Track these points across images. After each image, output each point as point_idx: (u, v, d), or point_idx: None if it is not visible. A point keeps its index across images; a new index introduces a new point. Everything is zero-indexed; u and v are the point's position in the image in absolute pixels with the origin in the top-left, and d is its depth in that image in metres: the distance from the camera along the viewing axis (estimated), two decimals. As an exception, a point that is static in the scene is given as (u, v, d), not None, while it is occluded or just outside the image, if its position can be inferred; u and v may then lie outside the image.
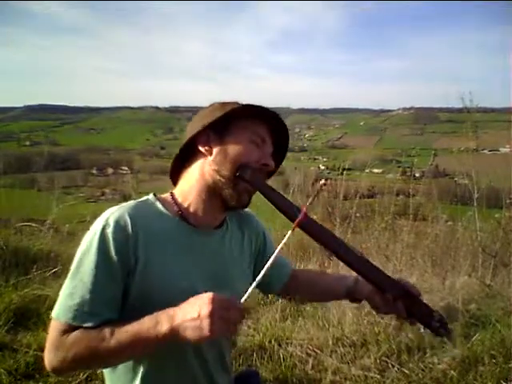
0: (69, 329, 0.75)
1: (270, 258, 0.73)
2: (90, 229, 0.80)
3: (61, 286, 0.79)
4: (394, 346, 2.31)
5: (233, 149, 0.86)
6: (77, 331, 0.74)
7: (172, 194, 0.92)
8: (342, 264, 0.93)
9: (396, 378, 2.11)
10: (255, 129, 0.89)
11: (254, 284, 0.71)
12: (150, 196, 0.91)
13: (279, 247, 0.74)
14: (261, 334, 2.53)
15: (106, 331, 0.73)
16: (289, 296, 1.27)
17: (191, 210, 0.89)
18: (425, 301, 0.87)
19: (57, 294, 0.79)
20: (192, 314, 0.67)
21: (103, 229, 0.78)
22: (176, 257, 0.84)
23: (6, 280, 2.86)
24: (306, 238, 3.93)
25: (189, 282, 0.83)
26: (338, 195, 4.58)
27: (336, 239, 0.87)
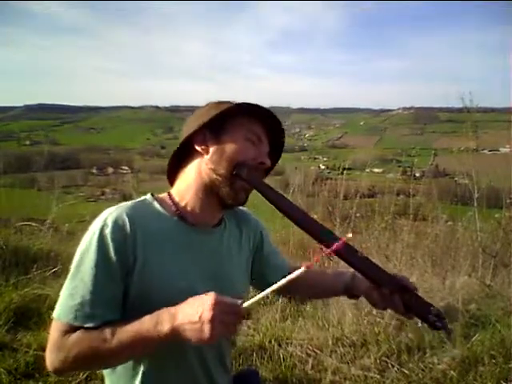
0: (70, 329, 0.75)
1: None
2: (89, 229, 0.80)
3: (61, 285, 0.79)
4: (393, 346, 2.32)
5: (229, 147, 0.86)
6: (78, 332, 0.74)
7: (169, 194, 0.92)
8: (342, 263, 0.93)
9: (396, 378, 2.11)
10: (251, 127, 0.89)
11: (262, 294, 0.69)
12: (148, 196, 0.91)
13: (296, 273, 0.67)
14: (261, 334, 2.53)
15: (107, 331, 0.73)
16: (287, 294, 1.27)
17: (189, 209, 0.89)
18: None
19: (57, 294, 0.79)
20: (193, 316, 0.67)
21: (102, 229, 0.78)
22: (174, 256, 0.84)
23: (6, 279, 2.86)
24: (306, 238, 3.93)
25: (187, 281, 0.83)
26: (338, 195, 4.58)
27: (323, 230, 0.86)
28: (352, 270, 0.90)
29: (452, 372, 2.08)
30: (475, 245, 3.62)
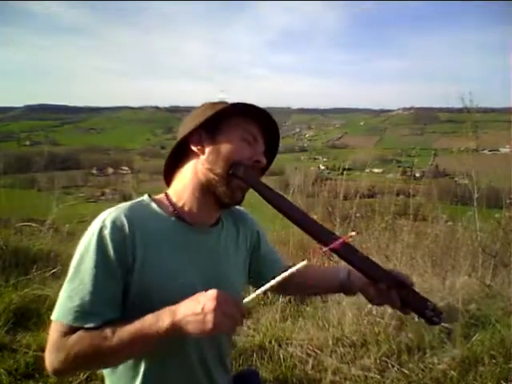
0: (70, 330, 0.75)
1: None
2: (87, 231, 0.81)
3: (61, 286, 0.79)
4: (393, 346, 2.32)
5: (225, 147, 0.87)
6: (78, 332, 0.75)
7: (166, 195, 0.93)
8: (342, 263, 0.93)
9: (396, 378, 2.11)
10: (246, 127, 0.90)
11: (260, 290, 0.72)
12: (145, 197, 0.92)
13: (296, 267, 0.71)
14: (261, 335, 2.53)
15: (108, 330, 0.73)
16: (283, 292, 1.28)
17: (186, 208, 0.90)
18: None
19: (57, 294, 0.79)
20: (195, 308, 0.69)
21: (101, 230, 0.78)
22: (173, 255, 0.84)
23: (6, 280, 2.86)
24: (306, 238, 3.93)
25: (186, 280, 0.84)
26: (338, 195, 4.58)
27: (323, 229, 0.87)
28: (348, 266, 0.90)
29: (452, 372, 2.08)
30: (475, 245, 3.62)
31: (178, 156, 0.93)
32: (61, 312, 0.76)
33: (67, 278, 0.79)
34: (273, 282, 0.71)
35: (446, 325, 2.46)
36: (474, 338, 2.32)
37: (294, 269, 0.70)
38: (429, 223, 4.19)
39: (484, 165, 4.76)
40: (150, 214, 0.87)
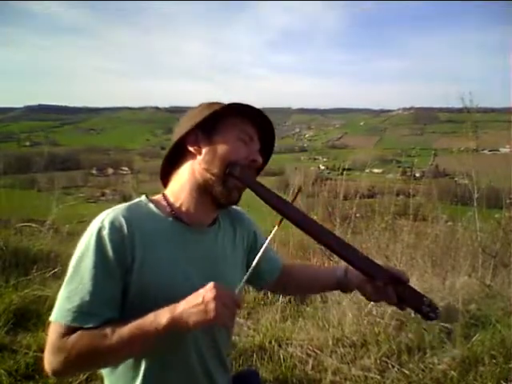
0: (69, 331, 0.75)
1: (261, 247, 0.77)
2: (86, 232, 0.81)
3: (61, 286, 0.79)
4: (394, 347, 2.31)
5: (221, 147, 0.88)
6: (78, 332, 0.75)
7: (164, 195, 0.93)
8: (343, 263, 0.94)
9: (396, 378, 2.11)
10: (243, 127, 0.90)
11: (248, 273, 0.76)
12: (143, 198, 0.92)
13: (269, 237, 0.79)
14: (261, 335, 2.53)
15: (108, 329, 0.74)
16: (281, 290, 1.30)
17: (183, 209, 0.91)
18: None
19: (57, 295, 0.79)
20: (196, 300, 0.71)
21: (99, 231, 0.79)
22: (171, 256, 0.85)
23: (6, 281, 2.86)
24: (306, 239, 3.93)
25: (185, 280, 0.84)
26: (338, 195, 4.58)
27: (322, 228, 0.89)
28: (345, 264, 0.93)
29: (452, 372, 2.08)
30: (475, 245, 3.62)
31: (175, 156, 0.93)
32: (60, 313, 0.76)
33: (66, 279, 0.79)
34: (256, 260, 0.76)
35: (446, 325, 2.46)
36: (474, 338, 2.32)
37: (269, 238, 0.77)
38: (429, 223, 4.20)
39: (484, 165, 4.76)
40: (148, 215, 0.87)
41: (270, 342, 2.44)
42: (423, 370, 2.15)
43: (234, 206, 1.01)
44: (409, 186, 4.25)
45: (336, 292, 2.88)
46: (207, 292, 0.71)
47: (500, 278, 3.38)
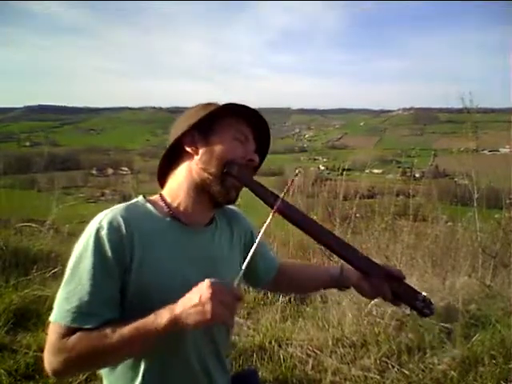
0: (69, 332, 0.75)
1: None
2: (84, 232, 0.81)
3: (61, 286, 0.79)
4: (394, 347, 2.32)
5: (218, 147, 0.89)
6: (78, 333, 0.75)
7: (161, 195, 0.94)
8: (346, 266, 0.96)
9: (396, 378, 2.11)
10: (238, 127, 0.91)
11: (244, 266, 0.74)
12: (140, 198, 0.93)
13: (263, 229, 0.78)
14: (261, 335, 2.53)
15: (107, 329, 0.74)
16: (278, 289, 1.31)
17: (181, 208, 0.91)
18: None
19: (56, 295, 0.79)
20: (193, 300, 0.70)
21: (97, 231, 0.79)
22: (170, 255, 0.85)
23: (6, 281, 2.86)
24: (306, 239, 3.93)
25: (183, 279, 0.84)
26: (337, 195, 4.58)
27: (318, 225, 0.91)
28: (341, 261, 0.94)
29: (452, 372, 2.08)
30: (475, 245, 3.62)
31: (172, 157, 0.94)
32: (59, 313, 0.76)
33: (64, 280, 0.79)
34: (252, 250, 0.75)
35: (446, 325, 2.46)
36: (474, 339, 2.32)
37: (264, 226, 0.76)
38: (429, 224, 4.20)
39: (484, 165, 4.76)
40: (146, 215, 0.87)
41: (270, 342, 2.44)
42: (423, 370, 2.16)
43: (231, 206, 1.03)
44: (409, 187, 4.26)
45: (336, 292, 2.88)
46: (204, 291, 0.70)
47: (500, 278, 3.38)
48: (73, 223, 4.22)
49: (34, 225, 4.02)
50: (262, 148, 1.00)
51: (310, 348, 2.40)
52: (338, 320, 2.64)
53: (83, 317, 0.75)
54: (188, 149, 0.90)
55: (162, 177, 0.97)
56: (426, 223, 4.26)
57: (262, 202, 0.91)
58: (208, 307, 0.68)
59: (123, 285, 0.80)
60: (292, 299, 3.04)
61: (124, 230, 0.80)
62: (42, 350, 2.10)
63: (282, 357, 2.30)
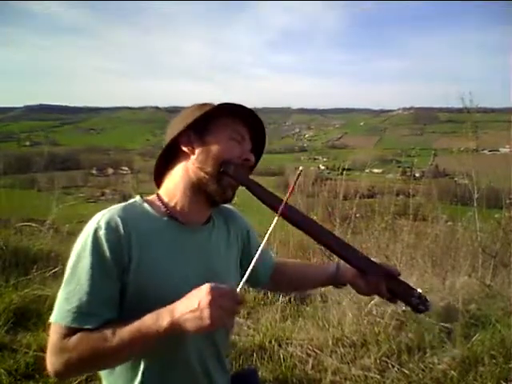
0: (69, 332, 0.75)
1: (259, 247, 0.76)
2: (82, 232, 0.81)
3: (60, 286, 0.80)
4: (394, 346, 2.32)
5: (214, 147, 0.89)
6: (78, 334, 0.75)
7: (158, 195, 0.94)
8: (342, 263, 0.96)
9: (396, 378, 2.11)
10: (234, 127, 0.92)
11: (249, 270, 0.74)
12: (137, 198, 0.93)
13: (266, 236, 0.77)
14: (261, 335, 2.53)
15: (108, 331, 0.74)
16: (274, 287, 1.31)
17: (178, 208, 0.91)
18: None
19: (57, 295, 0.79)
20: (192, 305, 0.69)
21: (95, 231, 0.79)
22: (168, 255, 0.85)
23: (6, 280, 2.86)
24: (306, 239, 3.93)
25: (181, 279, 0.85)
26: (337, 195, 4.58)
27: (318, 226, 0.92)
28: (337, 260, 0.96)
29: (452, 372, 2.08)
30: (475, 245, 3.63)
31: (168, 157, 0.94)
32: (59, 314, 0.76)
33: (64, 280, 0.79)
34: (256, 256, 0.74)
35: (446, 325, 2.46)
36: (474, 338, 2.32)
37: (269, 229, 0.74)
38: (429, 223, 4.20)
39: (484, 165, 4.76)
40: (143, 215, 0.88)
41: (270, 342, 2.44)
42: (423, 370, 2.16)
43: (227, 205, 1.03)
44: (409, 186, 4.26)
45: (336, 292, 2.88)
46: (203, 297, 0.68)
47: (500, 278, 3.38)
48: (73, 223, 4.22)
49: (33, 224, 4.02)
50: (258, 147, 1.01)
51: (310, 348, 2.40)
52: (338, 320, 2.64)
53: (83, 317, 0.75)
54: (184, 148, 0.91)
55: (159, 177, 0.97)
56: (426, 223, 4.26)
57: (258, 201, 0.91)
58: (206, 313, 0.67)
59: (122, 285, 0.80)
60: (292, 299, 3.04)
61: (122, 230, 0.80)
62: (42, 349, 2.11)
63: (281, 356, 2.30)
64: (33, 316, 2.54)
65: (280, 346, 2.43)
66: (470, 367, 2.12)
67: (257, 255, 0.74)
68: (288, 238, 4.22)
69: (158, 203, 0.92)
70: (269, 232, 0.77)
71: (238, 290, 0.73)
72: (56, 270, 3.04)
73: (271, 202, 0.89)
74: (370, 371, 2.17)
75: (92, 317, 0.76)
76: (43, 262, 3.22)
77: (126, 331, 0.73)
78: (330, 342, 2.40)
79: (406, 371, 2.15)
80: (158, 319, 0.72)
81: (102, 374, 0.87)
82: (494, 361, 2.12)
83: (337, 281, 1.03)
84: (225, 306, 0.69)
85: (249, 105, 0.90)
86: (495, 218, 3.85)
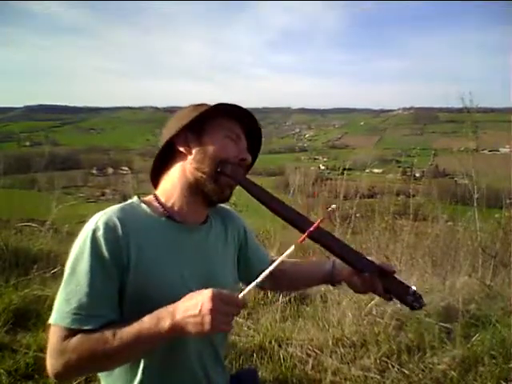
0: (69, 333, 0.75)
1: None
2: (80, 233, 0.81)
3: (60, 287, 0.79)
4: (394, 347, 2.32)
5: (211, 147, 0.90)
6: (78, 335, 0.75)
7: (155, 196, 0.94)
8: (338, 261, 0.97)
9: (396, 378, 2.11)
10: (230, 127, 0.93)
11: (255, 282, 0.74)
12: (135, 199, 0.93)
13: (285, 254, 0.73)
14: (261, 335, 2.52)
15: (108, 333, 0.74)
16: (271, 287, 1.32)
17: (176, 208, 0.92)
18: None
19: (56, 295, 0.79)
20: (193, 310, 0.70)
21: (94, 232, 0.79)
22: (166, 255, 0.86)
23: (6, 280, 2.86)
24: (306, 239, 3.92)
25: (180, 279, 0.85)
26: (338, 195, 4.58)
27: (308, 220, 0.93)
28: (332, 257, 0.96)
29: (452, 372, 2.08)
30: (475, 245, 3.63)
31: (164, 158, 0.95)
32: (59, 315, 0.76)
33: (63, 281, 0.79)
34: (266, 272, 0.73)
35: (446, 325, 2.46)
36: (474, 338, 2.32)
37: (284, 255, 0.73)
38: (429, 223, 4.20)
39: (484, 165, 4.76)
40: (141, 215, 0.88)
41: (270, 342, 2.44)
42: (423, 370, 2.16)
43: (223, 205, 1.04)
44: (409, 186, 4.26)
45: (336, 292, 2.88)
46: (205, 302, 0.69)
47: (500, 278, 3.38)
48: (73, 223, 4.22)
49: (33, 225, 4.02)
50: (254, 147, 1.02)
51: (310, 348, 2.40)
52: (337, 320, 2.64)
53: (83, 318, 0.75)
54: (181, 149, 0.91)
55: (155, 177, 0.98)
56: (426, 223, 4.26)
57: (256, 201, 0.92)
58: (207, 319, 0.68)
59: (121, 285, 0.80)
60: (292, 299, 3.03)
61: (120, 231, 0.80)
62: (41, 349, 2.10)
63: (281, 357, 2.30)
64: (33, 316, 2.53)
65: (280, 346, 2.43)
66: (470, 367, 2.12)
67: (272, 267, 0.73)
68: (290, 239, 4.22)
69: (156, 204, 0.92)
70: (288, 252, 0.73)
71: (240, 296, 0.73)
72: (56, 270, 3.04)
73: (266, 200, 0.90)
74: (370, 371, 2.16)
75: (92, 318, 0.75)
76: (43, 263, 3.21)
77: (126, 333, 0.73)
78: (330, 343, 2.40)
79: (406, 371, 2.14)
80: (159, 321, 0.72)
81: (101, 375, 0.87)
82: (494, 361, 2.12)
83: (332, 279, 1.03)
84: (226, 312, 0.69)
85: (249, 105, 0.90)
86: (495, 218, 3.85)
